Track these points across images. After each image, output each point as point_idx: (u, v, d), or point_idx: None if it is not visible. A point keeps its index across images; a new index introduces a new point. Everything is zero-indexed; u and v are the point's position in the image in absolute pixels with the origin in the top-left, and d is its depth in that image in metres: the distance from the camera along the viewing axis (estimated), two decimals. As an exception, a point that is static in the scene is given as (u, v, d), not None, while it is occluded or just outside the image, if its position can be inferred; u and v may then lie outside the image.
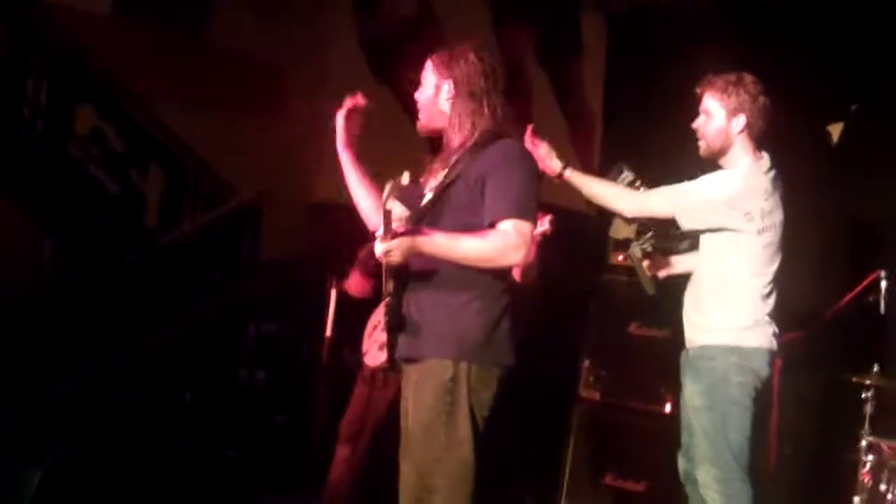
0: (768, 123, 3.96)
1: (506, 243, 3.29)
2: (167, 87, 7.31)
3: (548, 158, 4.07)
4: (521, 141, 3.53)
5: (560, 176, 4.09)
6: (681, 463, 4.13)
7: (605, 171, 4.40)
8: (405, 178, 3.28)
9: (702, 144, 4.02)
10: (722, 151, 3.98)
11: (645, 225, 4.18)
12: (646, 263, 4.18)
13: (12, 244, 5.94)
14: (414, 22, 8.23)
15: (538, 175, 3.48)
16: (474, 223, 3.35)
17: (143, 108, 6.88)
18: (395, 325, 3.42)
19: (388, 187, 3.26)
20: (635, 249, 4.20)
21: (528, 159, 3.45)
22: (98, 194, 6.54)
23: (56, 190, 6.21)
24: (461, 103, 3.44)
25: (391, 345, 3.48)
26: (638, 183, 4.12)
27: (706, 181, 3.94)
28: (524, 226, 3.32)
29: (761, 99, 3.92)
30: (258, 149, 7.82)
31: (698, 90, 4.01)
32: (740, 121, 3.91)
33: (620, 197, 4.06)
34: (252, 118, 8.05)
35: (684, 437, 4.11)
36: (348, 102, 3.58)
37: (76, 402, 5.34)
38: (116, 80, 6.76)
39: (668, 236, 4.17)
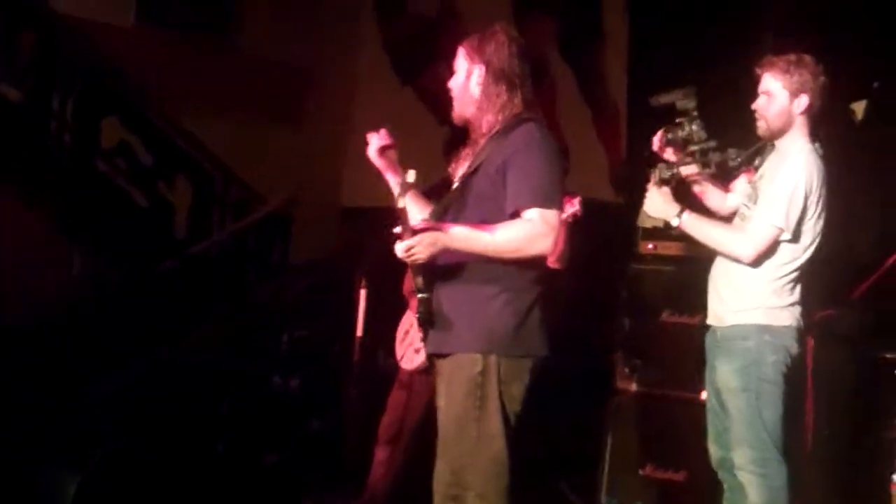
0: (826, 102, 3.95)
1: (531, 233, 3.26)
2: (194, 95, 7.36)
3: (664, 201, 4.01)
4: (546, 125, 3.46)
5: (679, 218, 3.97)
6: (712, 450, 4.10)
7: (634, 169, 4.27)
8: (411, 176, 3.28)
9: (761, 125, 3.98)
10: (782, 131, 3.95)
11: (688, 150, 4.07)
12: (664, 189, 4.02)
13: (46, 258, 5.99)
14: (436, 21, 8.23)
15: (562, 159, 3.41)
16: (498, 214, 3.31)
17: (170, 119, 6.94)
18: (427, 322, 3.41)
19: (397, 187, 3.26)
20: (663, 172, 4.07)
21: (550, 143, 3.38)
22: (127, 207, 6.58)
23: (84, 204, 6.26)
24: (492, 86, 3.41)
25: (426, 341, 3.48)
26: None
27: (786, 181, 3.85)
28: (549, 214, 3.28)
29: (822, 78, 3.92)
30: (288, 153, 7.86)
31: (758, 70, 3.98)
32: (802, 101, 3.90)
33: (736, 241, 3.93)
34: (281, 123, 8.10)
35: (713, 423, 4.08)
36: (378, 141, 3.58)
37: (110, 410, 5.37)
38: (142, 91, 6.81)
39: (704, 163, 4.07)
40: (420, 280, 3.35)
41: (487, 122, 3.42)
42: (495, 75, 3.41)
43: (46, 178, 6.14)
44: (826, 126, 4.05)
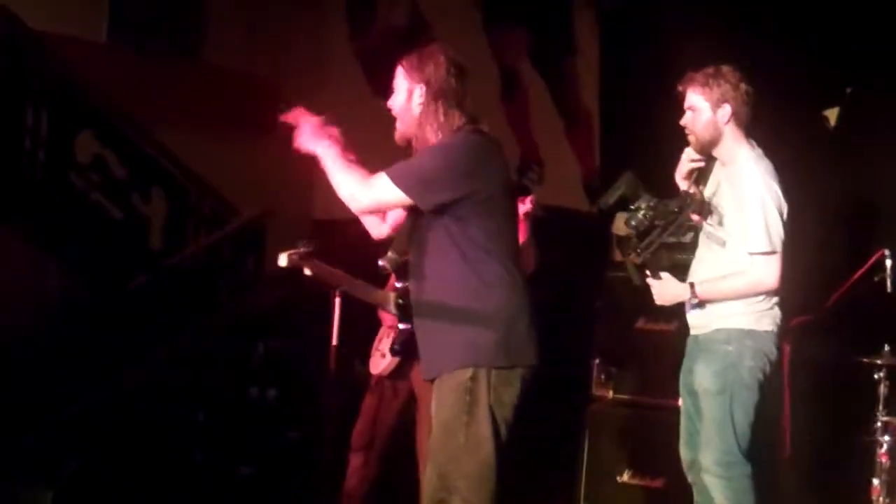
0: (754, 109, 3.99)
1: (361, 186, 3.37)
2: (166, 109, 7.35)
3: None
4: (486, 135, 3.49)
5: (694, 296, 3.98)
6: (684, 453, 4.14)
7: (607, 179, 4.27)
8: (282, 261, 3.84)
9: (692, 139, 4.03)
10: (713, 143, 3.99)
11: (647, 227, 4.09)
12: (664, 275, 4.02)
13: (18, 274, 5.97)
14: (406, 31, 8.25)
15: (459, 165, 3.37)
16: (435, 223, 3.38)
17: (143, 132, 6.93)
18: (401, 353, 3.48)
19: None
20: (662, 261, 4.09)
21: (456, 150, 3.40)
22: (101, 221, 6.57)
23: (59, 219, 6.24)
24: (434, 105, 3.43)
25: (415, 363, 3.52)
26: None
27: (753, 202, 3.87)
28: (388, 187, 3.33)
29: (743, 86, 3.96)
30: (260, 166, 7.85)
31: (680, 88, 4.03)
32: (725, 110, 3.94)
33: (754, 283, 3.89)
34: (252, 136, 8.07)
35: (686, 426, 4.13)
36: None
37: (89, 423, 5.35)
38: (115, 106, 6.79)
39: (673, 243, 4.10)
40: (395, 309, 3.40)
41: (428, 139, 3.44)
42: (435, 94, 3.43)
43: (21, 193, 6.12)
44: (801, 132, 4.09)
